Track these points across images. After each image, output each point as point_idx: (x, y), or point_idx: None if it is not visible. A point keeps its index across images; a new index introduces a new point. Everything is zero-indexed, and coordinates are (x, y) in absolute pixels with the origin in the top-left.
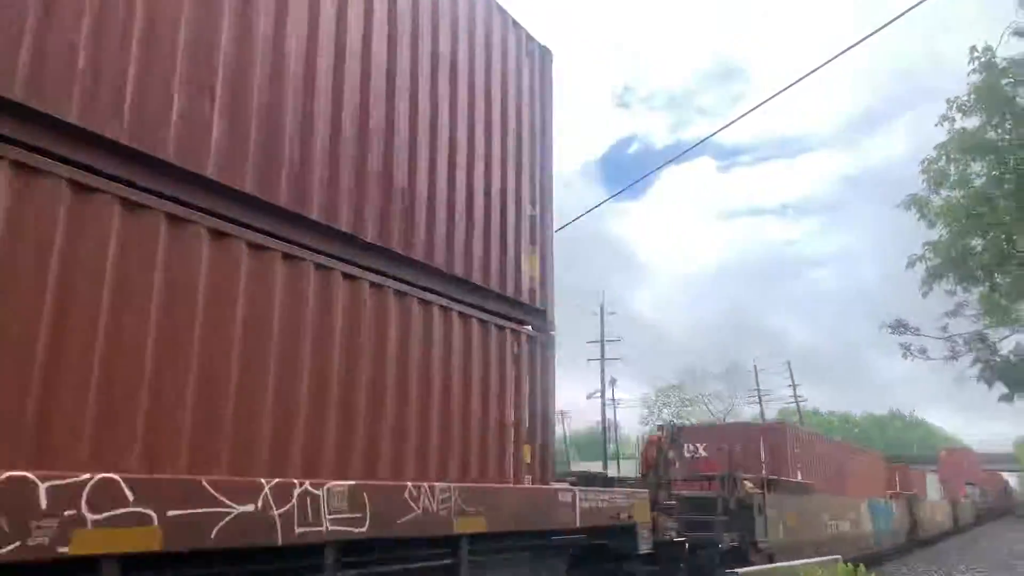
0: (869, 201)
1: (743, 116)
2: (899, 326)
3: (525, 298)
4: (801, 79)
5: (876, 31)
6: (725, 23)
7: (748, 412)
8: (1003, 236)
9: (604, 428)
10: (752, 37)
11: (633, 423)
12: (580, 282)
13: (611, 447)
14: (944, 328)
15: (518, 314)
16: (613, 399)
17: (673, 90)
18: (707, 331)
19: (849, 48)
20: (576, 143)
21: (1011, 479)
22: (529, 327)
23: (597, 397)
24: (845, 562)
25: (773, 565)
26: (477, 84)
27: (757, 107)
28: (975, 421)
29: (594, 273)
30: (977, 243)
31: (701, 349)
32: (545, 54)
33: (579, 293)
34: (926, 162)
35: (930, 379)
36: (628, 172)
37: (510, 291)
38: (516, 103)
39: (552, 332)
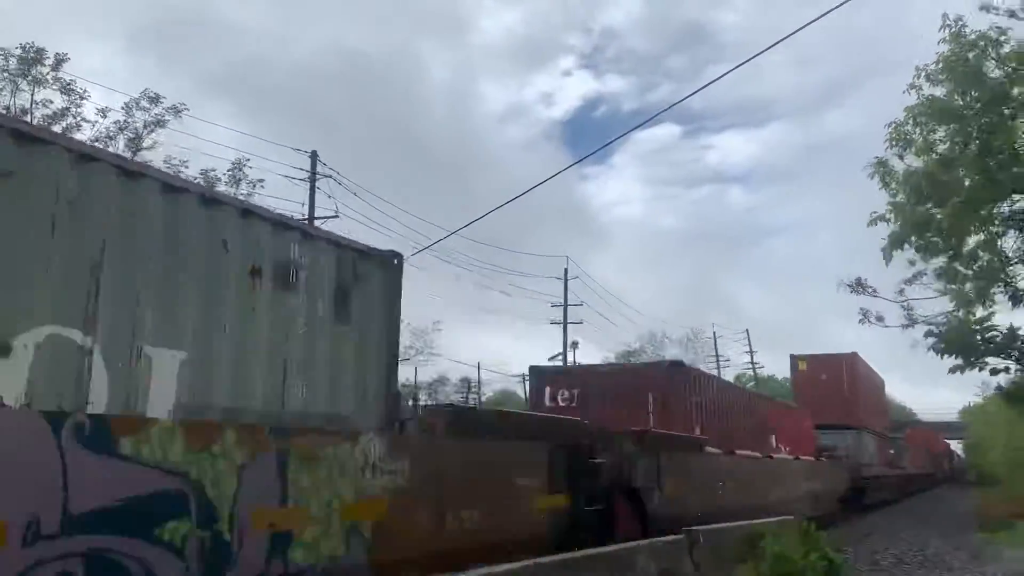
0: (829, 170)
1: (708, 85)
2: (858, 285)
3: None
4: (767, 49)
5: (839, 5)
6: None
7: None
8: (963, 204)
9: None
10: (721, 1)
11: None
12: (544, 247)
13: None
14: (901, 293)
15: None
16: (575, 362)
17: (641, 52)
18: (669, 297)
19: (814, 20)
20: (542, 106)
21: (957, 447)
22: None
23: (559, 360)
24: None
25: (734, 524)
26: None
27: (722, 76)
28: (926, 391)
29: (557, 238)
30: (938, 211)
31: (662, 315)
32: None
33: (542, 258)
34: (893, 124)
35: (882, 348)
36: (595, 135)
37: None
38: None
39: None
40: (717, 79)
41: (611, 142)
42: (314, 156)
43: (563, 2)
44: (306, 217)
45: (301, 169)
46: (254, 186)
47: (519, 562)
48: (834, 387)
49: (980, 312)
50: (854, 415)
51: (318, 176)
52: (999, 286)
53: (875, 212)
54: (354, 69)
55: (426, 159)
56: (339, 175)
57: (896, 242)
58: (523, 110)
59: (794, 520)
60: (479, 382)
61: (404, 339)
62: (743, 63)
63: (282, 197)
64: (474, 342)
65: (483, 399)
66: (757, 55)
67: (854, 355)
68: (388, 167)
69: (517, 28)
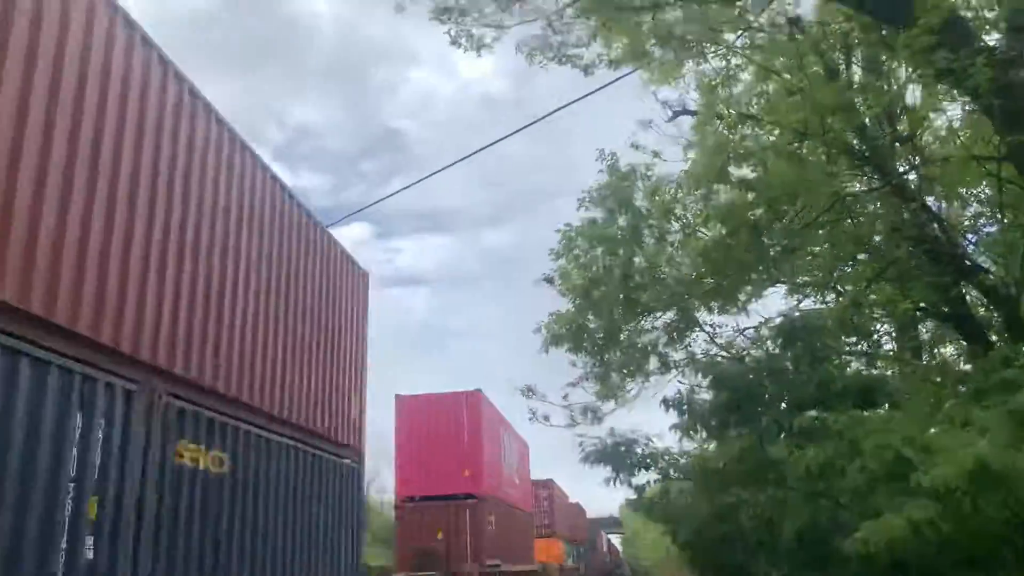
0: (502, 280)
1: (402, 190)
2: (528, 391)
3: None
4: (458, 161)
5: (514, 132)
6: (389, 95)
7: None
8: (611, 317)
9: None
10: (416, 115)
11: None
12: None
13: None
14: (565, 397)
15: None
16: None
17: (337, 152)
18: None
19: (499, 140)
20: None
21: (616, 540)
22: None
23: None
24: None
25: None
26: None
27: (415, 183)
28: (589, 487)
29: None
30: (591, 320)
31: None
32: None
33: None
34: (562, 234)
35: (552, 447)
36: None
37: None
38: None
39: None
40: (405, 188)
41: None
42: None
43: (258, 92)
44: None
45: None
46: None
47: None
48: (450, 439)
49: (619, 409)
50: (479, 481)
51: None
52: (640, 378)
53: (540, 321)
54: None
55: None
56: None
57: (553, 340)
58: None
59: None
60: None
61: None
62: (427, 176)
63: None
64: None
65: None
66: (440, 171)
67: (477, 394)
68: None
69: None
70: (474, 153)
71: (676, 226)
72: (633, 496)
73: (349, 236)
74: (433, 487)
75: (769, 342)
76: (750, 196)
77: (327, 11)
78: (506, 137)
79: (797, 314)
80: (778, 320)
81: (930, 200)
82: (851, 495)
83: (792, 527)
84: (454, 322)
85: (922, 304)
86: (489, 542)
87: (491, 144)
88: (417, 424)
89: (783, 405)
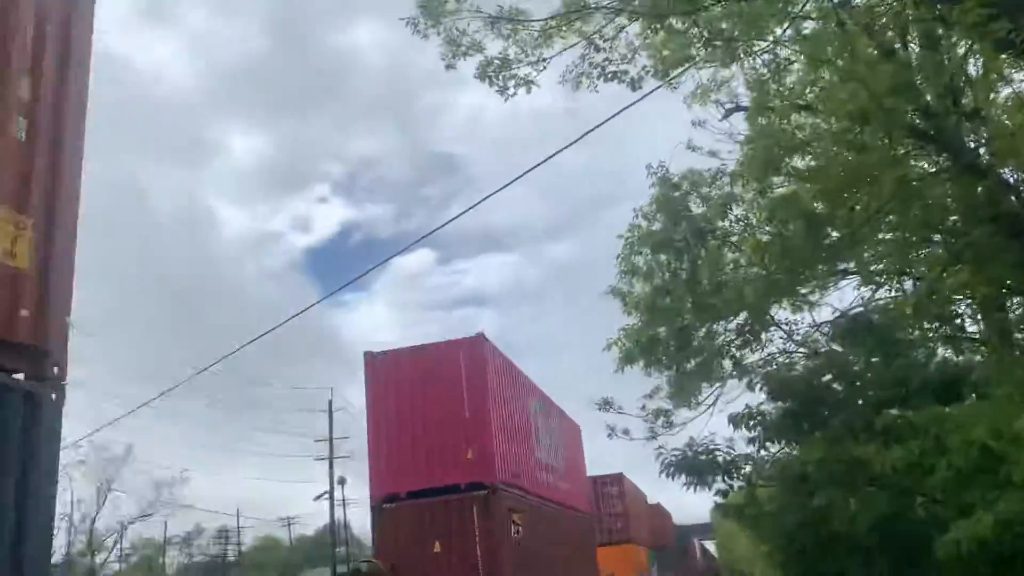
0: (569, 292)
1: (461, 214)
2: (606, 404)
3: None
4: (513, 181)
5: (567, 146)
6: (441, 120)
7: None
8: (682, 324)
9: (333, 530)
10: (469, 136)
11: (365, 524)
12: (304, 379)
13: (343, 550)
14: (643, 408)
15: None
16: (343, 499)
17: (395, 181)
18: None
19: (555, 155)
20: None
21: (710, 546)
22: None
23: (326, 499)
24: None
25: None
26: None
27: (474, 207)
28: (674, 494)
29: (316, 369)
30: (662, 331)
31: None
32: None
33: (301, 391)
34: (621, 255)
35: (637, 453)
36: (351, 262)
37: None
38: None
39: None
40: (462, 213)
41: (365, 273)
42: None
43: (316, 128)
44: None
45: None
46: None
47: None
48: (445, 407)
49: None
50: (490, 463)
51: None
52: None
53: (609, 338)
54: None
55: (161, 290)
56: None
57: (626, 359)
58: (276, 236)
59: None
60: (238, 531)
61: (147, 492)
62: (483, 199)
63: None
64: (231, 486)
65: (243, 548)
66: (498, 191)
67: (481, 339)
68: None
69: (268, 152)
70: (530, 170)
71: (736, 227)
72: (719, 500)
73: (415, 263)
74: (424, 478)
75: (834, 341)
76: (807, 187)
77: (369, 44)
78: (560, 151)
79: (859, 310)
80: (839, 319)
81: (1005, 173)
82: (943, 491)
83: (867, 522)
84: (521, 338)
85: (1007, 282)
86: (515, 553)
87: (546, 160)
88: (397, 391)
89: (859, 403)
